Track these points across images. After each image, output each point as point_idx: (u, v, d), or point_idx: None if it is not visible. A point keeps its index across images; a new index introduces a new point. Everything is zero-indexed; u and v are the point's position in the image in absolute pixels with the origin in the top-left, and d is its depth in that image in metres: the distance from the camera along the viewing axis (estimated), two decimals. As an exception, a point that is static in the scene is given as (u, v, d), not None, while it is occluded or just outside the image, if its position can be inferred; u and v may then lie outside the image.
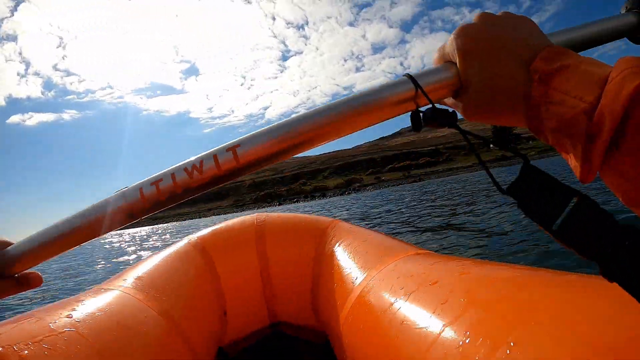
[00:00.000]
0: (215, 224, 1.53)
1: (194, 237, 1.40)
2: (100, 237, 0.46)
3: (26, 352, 0.53)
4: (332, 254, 1.20)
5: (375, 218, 9.71)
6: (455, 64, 0.41)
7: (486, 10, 0.42)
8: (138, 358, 0.71)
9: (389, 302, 0.72)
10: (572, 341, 0.39)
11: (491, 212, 6.92)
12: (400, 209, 11.39)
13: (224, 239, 1.39)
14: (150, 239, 21.11)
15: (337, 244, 1.22)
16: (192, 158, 0.43)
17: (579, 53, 0.35)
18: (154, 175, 0.44)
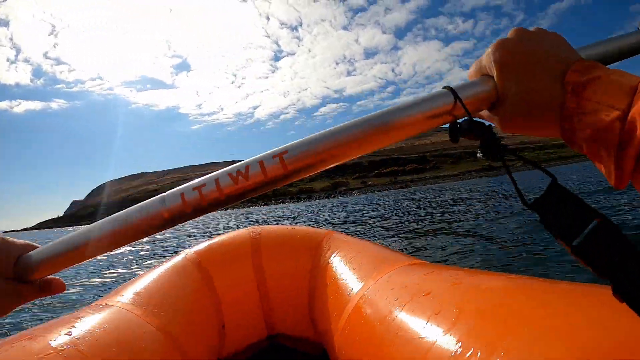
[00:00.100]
0: (211, 238, 1.54)
1: (190, 251, 1.40)
2: (134, 242, 0.45)
3: (28, 371, 0.54)
4: (328, 266, 1.21)
5: (363, 224, 9.69)
6: (493, 77, 0.42)
7: (520, 26, 0.43)
8: None
9: (384, 313, 0.74)
10: (562, 350, 0.40)
11: (485, 219, 6.98)
12: (389, 214, 11.37)
13: (221, 253, 1.39)
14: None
15: (333, 256, 1.24)
16: (237, 164, 0.43)
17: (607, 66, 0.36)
18: (196, 180, 0.44)
